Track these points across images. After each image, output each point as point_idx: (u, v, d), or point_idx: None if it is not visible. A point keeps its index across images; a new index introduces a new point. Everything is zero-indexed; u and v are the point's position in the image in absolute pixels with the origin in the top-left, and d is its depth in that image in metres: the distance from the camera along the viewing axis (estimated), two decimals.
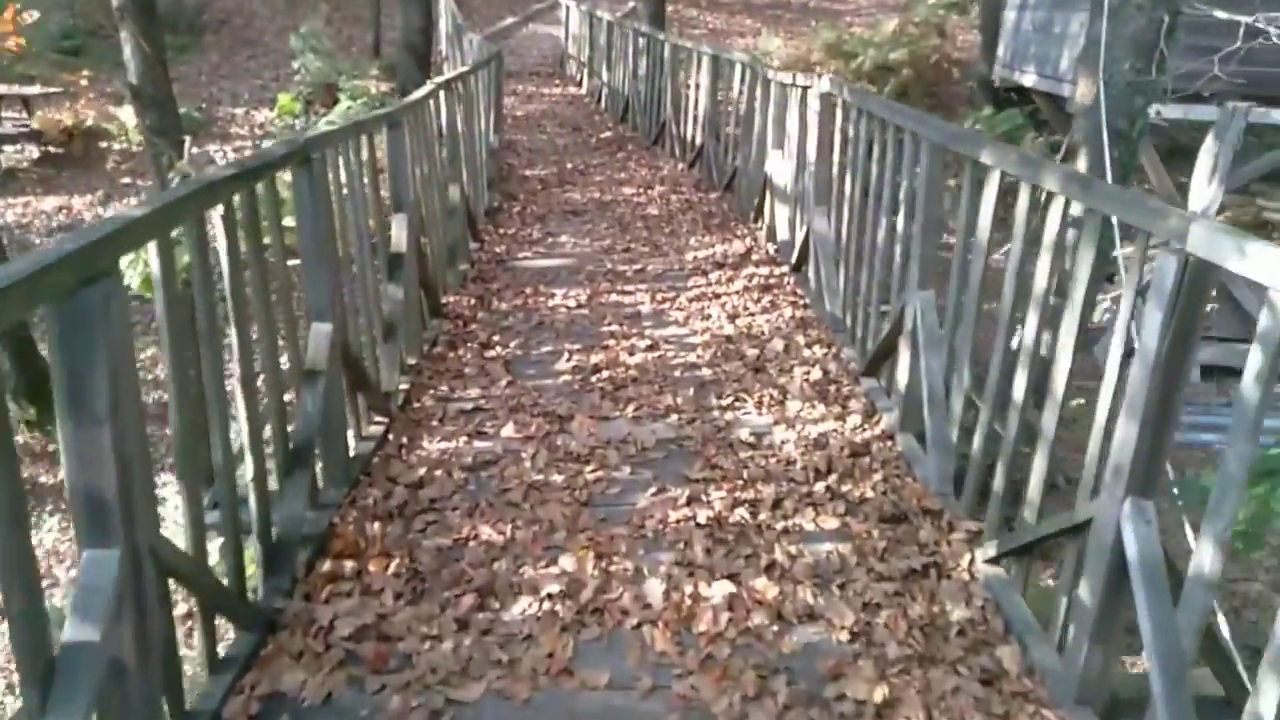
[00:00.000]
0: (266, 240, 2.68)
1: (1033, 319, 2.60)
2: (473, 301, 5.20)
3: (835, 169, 4.79)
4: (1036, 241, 2.66)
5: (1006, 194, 2.84)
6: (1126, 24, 5.28)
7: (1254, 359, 1.75)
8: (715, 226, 6.93)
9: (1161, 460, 2.04)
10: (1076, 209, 2.48)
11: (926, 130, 3.35)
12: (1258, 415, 1.76)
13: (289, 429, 2.81)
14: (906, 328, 3.52)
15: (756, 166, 6.87)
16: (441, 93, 5.59)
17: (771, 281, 5.51)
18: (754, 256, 6.06)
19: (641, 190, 8.13)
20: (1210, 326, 8.47)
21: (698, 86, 8.56)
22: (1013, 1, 10.33)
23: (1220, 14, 5.06)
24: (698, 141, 8.63)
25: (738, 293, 5.36)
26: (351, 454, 3.30)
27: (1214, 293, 8.78)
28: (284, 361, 2.85)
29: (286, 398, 2.86)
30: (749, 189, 7.11)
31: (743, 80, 7.41)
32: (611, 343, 4.62)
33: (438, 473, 3.30)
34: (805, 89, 5.27)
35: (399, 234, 4.16)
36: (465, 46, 10.06)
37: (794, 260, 5.55)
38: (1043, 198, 2.58)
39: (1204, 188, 7.92)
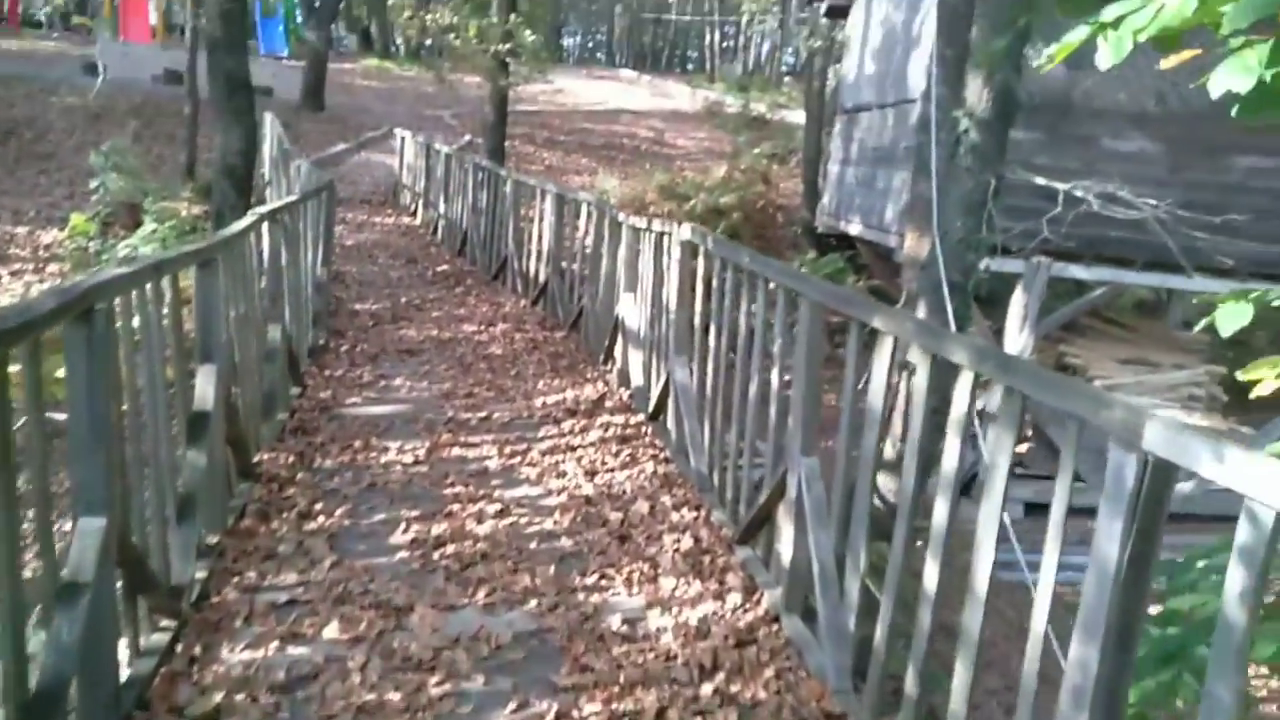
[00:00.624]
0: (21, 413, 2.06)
1: (942, 505, 2.37)
2: (291, 459, 4.53)
3: (697, 318, 4.60)
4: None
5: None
6: (956, 185, 5.57)
7: (1234, 577, 1.54)
8: (564, 368, 6.60)
9: (1127, 686, 1.79)
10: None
11: (805, 288, 3.19)
12: (1244, 640, 1.53)
13: (33, 665, 2.11)
14: (789, 496, 3.25)
15: (605, 306, 6.67)
16: (265, 224, 5.04)
17: (629, 432, 5.19)
18: (608, 403, 5.74)
19: (483, 327, 7.73)
20: (1027, 464, 8.93)
21: (542, 223, 8.41)
22: (835, 157, 11.02)
23: (1040, 180, 5.45)
24: (542, 278, 8.41)
25: (594, 445, 4.98)
26: (124, 680, 2.57)
27: (1029, 431, 9.40)
28: (30, 570, 2.17)
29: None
30: (598, 329, 6.88)
31: (589, 219, 7.32)
32: (456, 508, 4.09)
33: (239, 698, 2.62)
34: (661, 235, 5.14)
35: (204, 389, 3.52)
36: (292, 173, 9.52)
37: (651, 409, 5.28)
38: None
39: (1017, 335, 8.48)
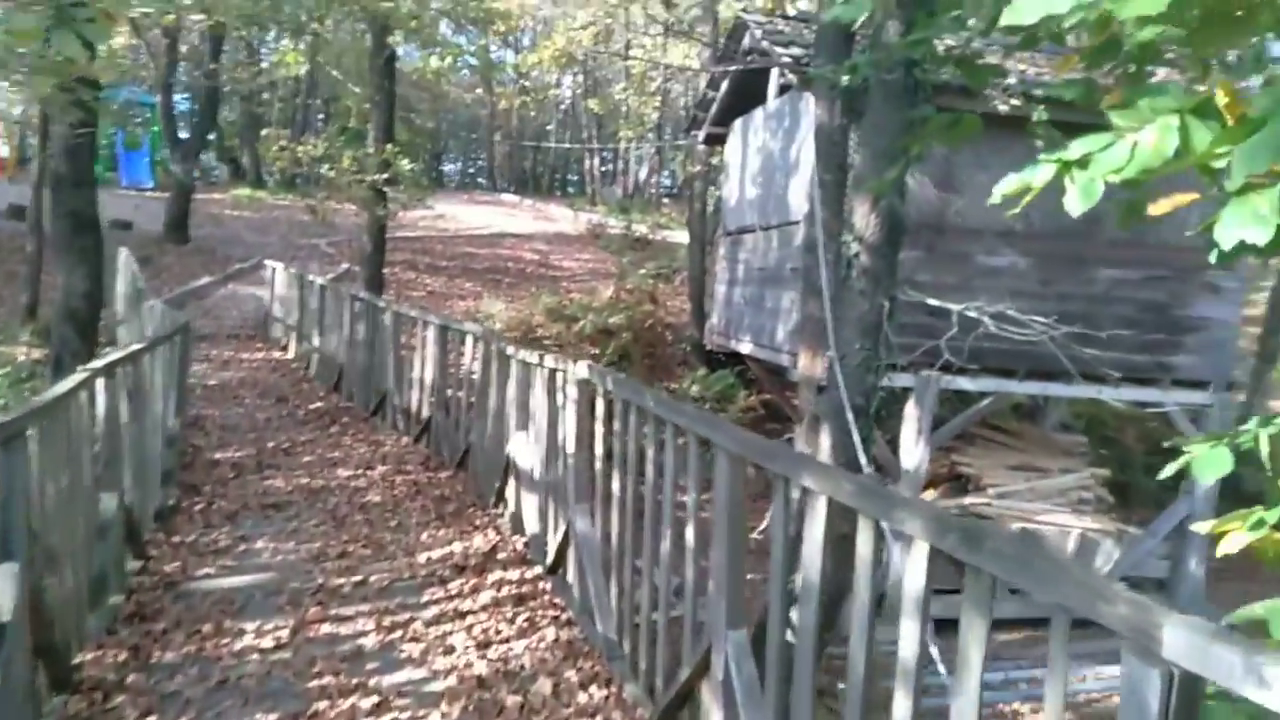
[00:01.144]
0: None
1: (903, 700, 2.02)
2: (123, 656, 3.80)
3: (599, 464, 4.22)
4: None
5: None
6: (851, 308, 5.51)
7: None
8: (451, 514, 6.05)
9: None
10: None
11: (720, 437, 2.87)
12: None
13: None
14: (716, 677, 2.83)
15: (494, 443, 6.21)
16: (99, 380, 4.42)
17: (525, 589, 4.67)
18: (500, 555, 5.22)
19: (360, 472, 7.10)
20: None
21: (424, 356, 7.95)
22: (722, 277, 11.08)
23: (933, 301, 5.44)
24: (424, 414, 7.88)
25: (486, 609, 4.44)
26: None
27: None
28: None
29: None
30: (487, 468, 6.39)
31: (475, 349, 6.93)
32: (324, 706, 3.47)
33: None
34: (554, 371, 4.79)
35: (0, 595, 2.87)
36: (144, 314, 8.79)
37: (550, 561, 4.79)
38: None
39: (913, 448, 8.46)
